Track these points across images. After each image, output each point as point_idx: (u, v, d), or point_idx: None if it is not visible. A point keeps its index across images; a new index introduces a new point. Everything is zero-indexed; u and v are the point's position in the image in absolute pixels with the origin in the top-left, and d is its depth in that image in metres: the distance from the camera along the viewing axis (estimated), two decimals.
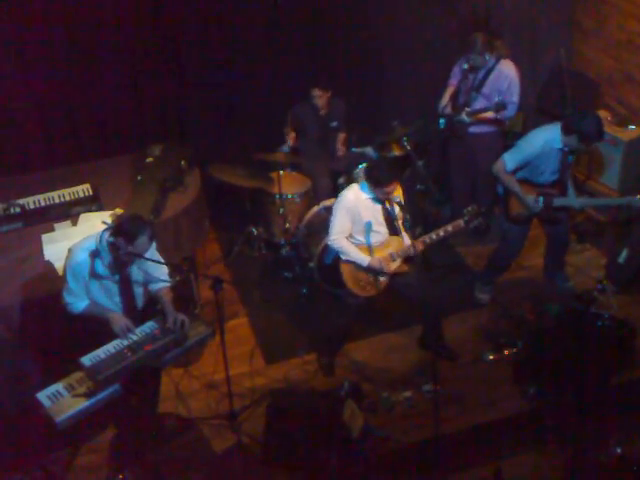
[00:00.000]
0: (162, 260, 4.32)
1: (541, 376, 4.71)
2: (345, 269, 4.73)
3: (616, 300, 5.25)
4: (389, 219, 4.69)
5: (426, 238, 4.70)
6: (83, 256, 4.06)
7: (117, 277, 4.13)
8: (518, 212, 5.12)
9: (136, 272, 4.18)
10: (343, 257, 4.70)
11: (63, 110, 5.88)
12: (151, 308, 4.30)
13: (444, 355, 4.97)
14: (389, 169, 4.65)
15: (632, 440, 4.32)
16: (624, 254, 5.48)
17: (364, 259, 4.67)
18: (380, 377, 4.91)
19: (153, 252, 4.24)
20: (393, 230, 4.73)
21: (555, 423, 4.51)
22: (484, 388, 4.78)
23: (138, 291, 4.26)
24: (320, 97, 5.83)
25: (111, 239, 3.99)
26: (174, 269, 4.48)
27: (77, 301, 4.14)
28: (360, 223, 4.66)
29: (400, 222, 4.71)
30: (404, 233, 4.76)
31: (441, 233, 4.68)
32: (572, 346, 4.68)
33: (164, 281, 4.36)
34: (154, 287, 4.34)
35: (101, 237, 4.05)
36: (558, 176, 5.00)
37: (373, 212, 4.66)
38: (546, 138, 4.87)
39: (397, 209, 4.69)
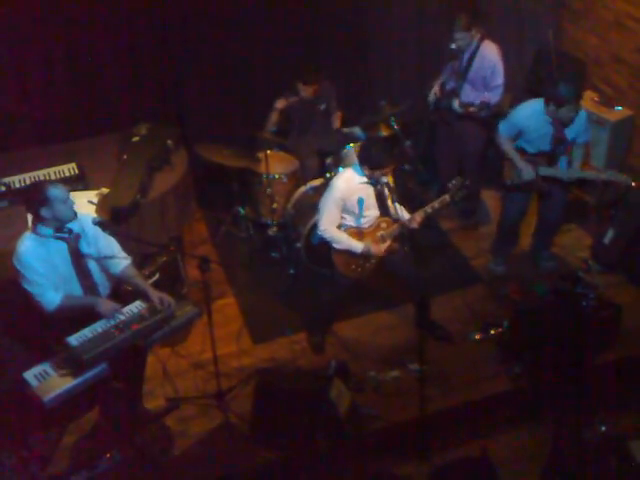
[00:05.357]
0: (113, 239, 4.14)
1: (526, 356, 4.74)
2: (337, 257, 4.72)
3: (601, 280, 5.29)
4: (381, 201, 4.67)
5: (423, 211, 4.65)
6: (25, 244, 3.93)
7: (70, 258, 3.98)
8: (509, 179, 5.15)
9: (85, 246, 4.04)
10: (336, 246, 4.68)
11: (48, 88, 5.80)
12: (124, 297, 4.19)
13: (439, 336, 4.98)
14: (385, 150, 4.61)
15: (616, 418, 4.36)
16: (609, 235, 5.52)
17: (357, 246, 4.65)
18: (368, 356, 4.93)
19: (106, 239, 4.11)
20: (384, 211, 4.71)
21: (540, 402, 4.55)
22: (470, 367, 4.81)
23: (95, 270, 4.11)
24: (305, 90, 5.77)
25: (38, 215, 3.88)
26: (161, 249, 4.41)
27: (44, 291, 3.94)
28: (351, 209, 4.64)
29: (389, 202, 4.69)
30: (401, 208, 4.72)
31: (428, 210, 4.66)
32: (558, 326, 4.72)
33: (124, 258, 4.16)
34: (117, 269, 4.16)
35: (32, 221, 3.96)
36: (550, 148, 5.02)
37: (365, 196, 4.63)
38: (535, 107, 4.96)
39: (386, 190, 4.67)
